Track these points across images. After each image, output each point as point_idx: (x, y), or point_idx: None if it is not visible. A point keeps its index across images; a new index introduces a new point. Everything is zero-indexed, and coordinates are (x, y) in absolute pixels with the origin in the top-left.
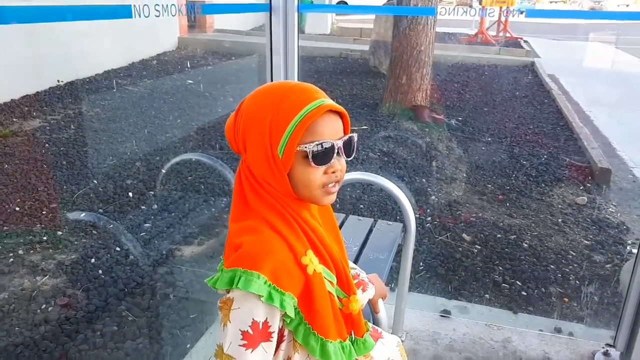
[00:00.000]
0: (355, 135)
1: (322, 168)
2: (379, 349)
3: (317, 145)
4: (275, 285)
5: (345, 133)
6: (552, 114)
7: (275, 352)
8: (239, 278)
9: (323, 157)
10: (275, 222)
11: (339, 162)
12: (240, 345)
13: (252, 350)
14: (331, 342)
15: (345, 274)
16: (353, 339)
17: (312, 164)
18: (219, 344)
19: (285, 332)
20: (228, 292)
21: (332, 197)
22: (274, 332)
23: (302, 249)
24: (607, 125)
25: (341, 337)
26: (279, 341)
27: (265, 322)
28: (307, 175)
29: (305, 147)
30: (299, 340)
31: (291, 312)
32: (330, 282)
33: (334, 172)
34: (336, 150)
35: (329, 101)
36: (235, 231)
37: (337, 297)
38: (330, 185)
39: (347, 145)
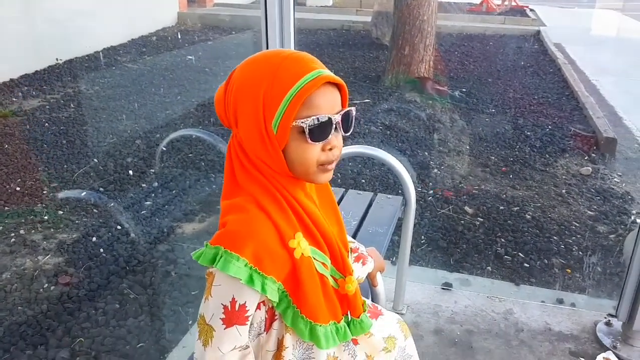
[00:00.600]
0: (353, 109)
1: (319, 144)
2: (378, 326)
3: (314, 120)
4: (256, 268)
5: (342, 106)
6: (558, 84)
7: (267, 330)
8: (220, 257)
9: (320, 132)
10: (264, 202)
11: (336, 138)
12: (220, 319)
13: (226, 328)
14: (321, 325)
15: (341, 255)
16: (349, 319)
17: (309, 140)
18: (201, 314)
19: (277, 312)
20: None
21: (329, 175)
22: (250, 316)
23: (291, 232)
24: (614, 94)
25: (335, 319)
26: (271, 320)
27: (243, 305)
28: (303, 152)
29: (302, 123)
30: (288, 324)
31: (274, 297)
32: (323, 264)
33: (331, 149)
34: (334, 125)
35: (326, 72)
36: (224, 209)
37: (333, 277)
38: (327, 163)
39: (345, 120)
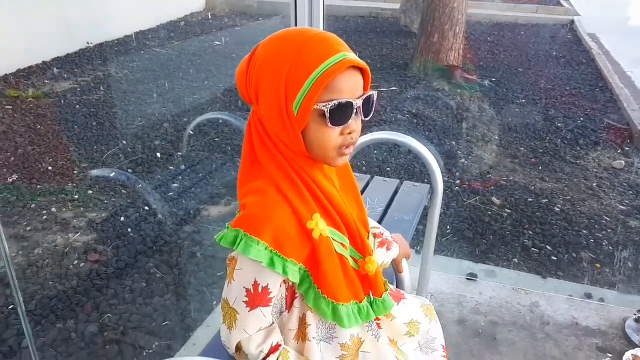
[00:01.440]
0: (374, 94)
1: (339, 128)
2: (400, 309)
3: (335, 104)
4: (277, 251)
5: (364, 90)
6: (591, 75)
7: (289, 309)
8: (240, 240)
9: (341, 116)
10: (281, 184)
11: (356, 122)
12: (243, 302)
13: (250, 310)
14: (343, 304)
15: (360, 236)
16: (372, 299)
17: (329, 123)
18: (225, 298)
19: (298, 292)
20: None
21: (345, 159)
22: (273, 297)
23: (308, 213)
24: None
25: (356, 298)
26: (292, 298)
27: (266, 287)
28: (322, 135)
29: (323, 106)
30: (310, 304)
31: (295, 278)
32: (342, 244)
33: (349, 133)
34: (354, 110)
35: (351, 55)
36: (244, 191)
37: (353, 258)
38: (344, 147)
39: (366, 104)
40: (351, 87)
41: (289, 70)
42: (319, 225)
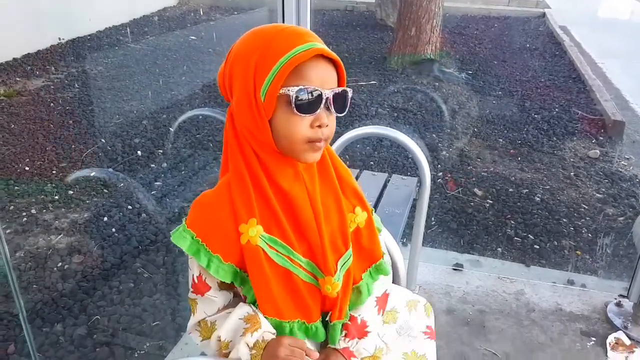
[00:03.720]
0: (349, 90)
1: (307, 118)
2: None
3: (302, 90)
4: (204, 243)
5: (340, 85)
6: (564, 66)
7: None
8: (178, 229)
9: (308, 105)
10: (232, 182)
11: (327, 117)
12: (192, 291)
13: (201, 296)
14: (284, 322)
15: (323, 252)
16: (328, 321)
17: (295, 110)
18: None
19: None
20: None
21: (316, 155)
22: (211, 287)
23: (246, 216)
24: (620, 77)
25: (306, 318)
26: None
27: (200, 277)
28: (289, 125)
29: (289, 90)
30: (258, 310)
31: (222, 276)
32: (288, 257)
33: (319, 127)
34: (324, 101)
35: (323, 46)
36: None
37: (312, 274)
38: (315, 141)
39: (339, 100)
40: (321, 78)
41: (258, 58)
42: (250, 232)
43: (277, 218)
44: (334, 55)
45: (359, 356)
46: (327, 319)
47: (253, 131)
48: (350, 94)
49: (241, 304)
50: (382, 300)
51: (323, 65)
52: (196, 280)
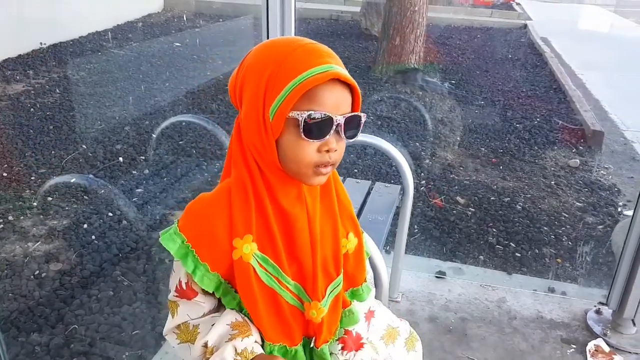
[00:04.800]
0: (363, 116)
1: (315, 143)
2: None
3: (311, 115)
4: (194, 250)
5: (354, 110)
6: (545, 77)
7: None
8: (169, 230)
9: (317, 130)
10: (234, 192)
11: (337, 142)
12: (176, 295)
13: (187, 300)
14: (267, 343)
15: (314, 276)
16: (312, 346)
17: (303, 135)
18: (169, 289)
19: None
20: None
21: (322, 179)
22: (198, 292)
23: (242, 231)
24: (599, 88)
25: (288, 342)
26: None
27: (187, 283)
28: (296, 149)
29: (298, 115)
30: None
31: (206, 285)
32: (277, 279)
33: (328, 152)
34: (334, 127)
35: (339, 69)
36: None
37: (299, 298)
38: (322, 165)
39: (352, 124)
40: (334, 102)
41: (270, 74)
42: (244, 248)
43: (272, 237)
44: (350, 79)
45: None
46: (311, 345)
47: (259, 148)
48: (363, 119)
49: (228, 310)
50: (369, 315)
51: (338, 89)
52: (184, 286)
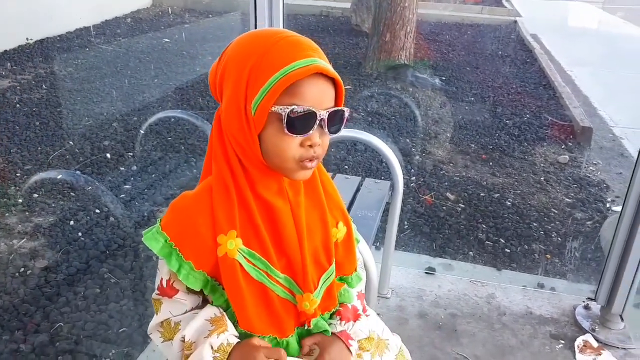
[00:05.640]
0: (346, 110)
1: (298, 138)
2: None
3: (294, 109)
4: (177, 248)
5: (337, 104)
6: (535, 73)
7: None
8: (152, 229)
9: (300, 125)
10: (215, 189)
11: (320, 137)
12: (158, 293)
13: (168, 299)
14: (257, 336)
15: (304, 268)
16: (305, 328)
17: (286, 130)
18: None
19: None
20: None
21: (307, 173)
22: (180, 290)
23: (226, 227)
24: (588, 84)
25: (278, 334)
26: None
27: (168, 281)
28: (279, 143)
29: (281, 110)
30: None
31: (191, 284)
32: (265, 272)
33: (311, 146)
34: (318, 121)
35: (322, 63)
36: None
37: (290, 291)
38: (306, 160)
39: (335, 119)
40: (317, 96)
41: (252, 66)
42: (228, 244)
43: (257, 231)
44: (334, 74)
45: (356, 338)
46: (305, 328)
47: (240, 142)
48: (347, 114)
49: (209, 305)
50: (361, 296)
51: (321, 83)
52: (164, 284)
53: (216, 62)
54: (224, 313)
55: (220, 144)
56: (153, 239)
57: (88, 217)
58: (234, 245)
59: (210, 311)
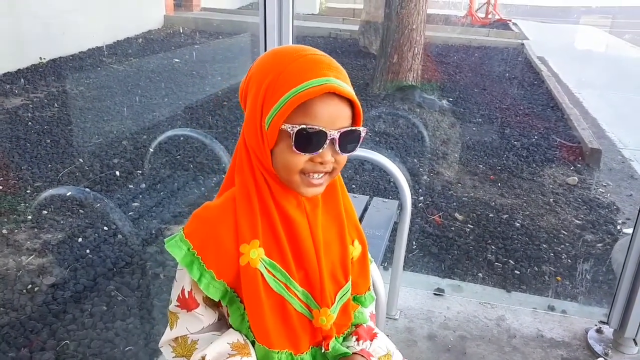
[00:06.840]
0: (362, 130)
1: (306, 156)
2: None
3: (303, 129)
4: (200, 257)
5: (355, 124)
6: (542, 95)
7: None
8: (175, 237)
9: (309, 144)
10: (239, 199)
11: (333, 155)
12: (177, 306)
13: (187, 312)
14: (271, 351)
15: (321, 282)
16: (321, 351)
17: (294, 148)
18: (170, 299)
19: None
20: None
21: (315, 190)
22: (200, 303)
23: (249, 236)
24: (596, 106)
25: (294, 349)
26: None
27: (190, 292)
28: (287, 157)
29: (290, 128)
30: (243, 331)
31: (212, 293)
32: (285, 285)
33: (321, 163)
34: (328, 141)
35: (337, 82)
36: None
37: (307, 305)
38: (315, 175)
39: (349, 139)
40: (330, 116)
41: (269, 83)
42: (251, 253)
43: (279, 243)
44: (349, 93)
45: (376, 355)
46: (322, 351)
47: (257, 154)
48: (363, 134)
49: (231, 329)
50: (372, 317)
51: (335, 102)
52: (186, 295)
53: (245, 78)
54: (248, 342)
55: (246, 156)
56: (176, 247)
57: (96, 234)
58: (256, 255)
59: (233, 336)
